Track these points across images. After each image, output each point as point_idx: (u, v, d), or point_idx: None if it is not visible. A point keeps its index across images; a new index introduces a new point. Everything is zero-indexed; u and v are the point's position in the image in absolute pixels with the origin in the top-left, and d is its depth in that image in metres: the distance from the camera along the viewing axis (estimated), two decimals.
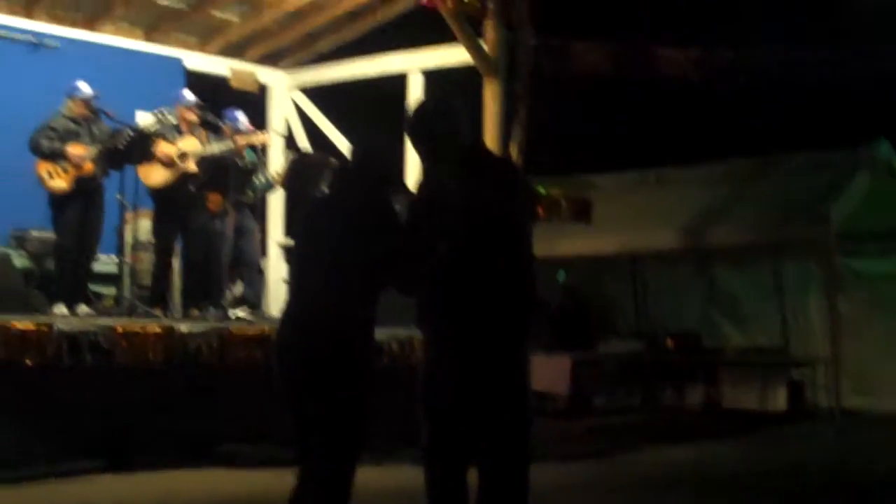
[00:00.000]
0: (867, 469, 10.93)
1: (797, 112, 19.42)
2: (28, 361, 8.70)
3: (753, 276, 16.62)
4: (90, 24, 14.03)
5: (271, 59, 15.53)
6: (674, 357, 15.90)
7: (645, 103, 20.41)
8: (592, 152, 20.00)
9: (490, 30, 12.83)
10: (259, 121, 13.67)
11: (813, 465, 11.24)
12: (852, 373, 14.65)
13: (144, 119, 12.20)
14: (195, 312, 11.52)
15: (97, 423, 9.10)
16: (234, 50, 15.21)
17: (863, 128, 17.22)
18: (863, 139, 16.22)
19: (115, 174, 11.25)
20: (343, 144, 14.35)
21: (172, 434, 9.42)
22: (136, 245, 12.16)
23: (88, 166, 11.17)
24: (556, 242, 15.12)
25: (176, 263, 12.29)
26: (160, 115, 11.78)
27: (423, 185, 5.90)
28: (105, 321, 9.59)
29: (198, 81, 14.52)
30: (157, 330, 9.49)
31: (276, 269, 14.82)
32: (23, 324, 8.85)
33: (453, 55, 13.35)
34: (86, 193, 11.27)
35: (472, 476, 5.66)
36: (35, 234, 12.05)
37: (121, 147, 10.93)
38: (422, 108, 6.04)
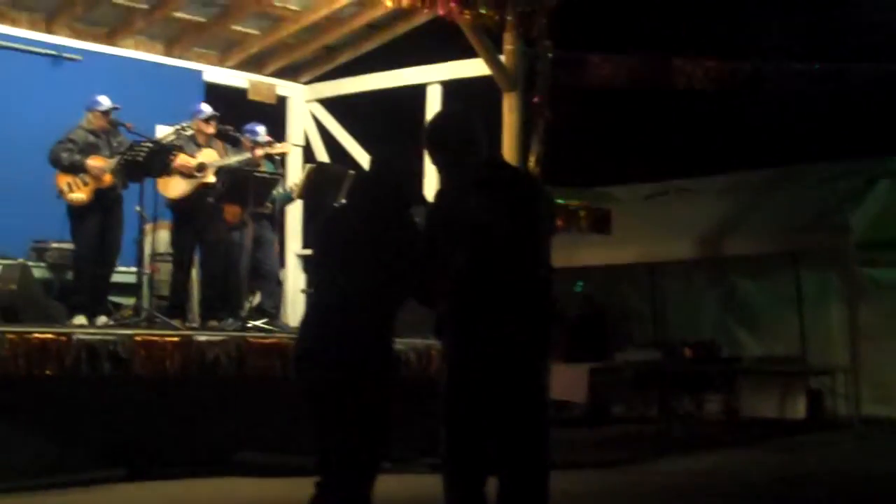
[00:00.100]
0: (888, 476, 10.90)
1: (816, 122, 19.40)
2: (47, 371, 8.75)
3: (772, 285, 16.62)
4: (110, 38, 14.10)
5: (290, 72, 15.59)
6: (692, 366, 15.89)
7: (663, 115, 20.41)
8: (611, 164, 20.03)
9: (509, 43, 12.86)
10: (277, 133, 13.70)
11: (833, 472, 11.23)
12: (872, 381, 14.65)
13: (164, 132, 12.27)
14: (213, 323, 11.57)
15: (116, 432, 9.14)
16: (253, 63, 15.28)
17: (882, 138, 17.21)
18: (882, 149, 16.22)
19: (134, 186, 11.30)
20: (361, 156, 14.39)
21: (190, 443, 9.46)
22: (155, 256, 12.22)
23: (108, 178, 11.24)
24: (575, 253, 15.18)
25: (194, 274, 12.36)
26: (179, 129, 11.85)
27: (441, 196, 5.93)
28: (124, 331, 9.63)
29: (217, 94, 14.58)
30: (176, 340, 9.53)
31: (295, 280, 14.86)
32: (42, 334, 8.89)
33: (472, 68, 13.38)
34: (105, 205, 11.33)
35: (490, 485, 5.68)
36: (55, 245, 12.14)
37: (140, 159, 10.98)
38: (439, 119, 6.06)
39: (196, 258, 12.20)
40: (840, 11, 19.37)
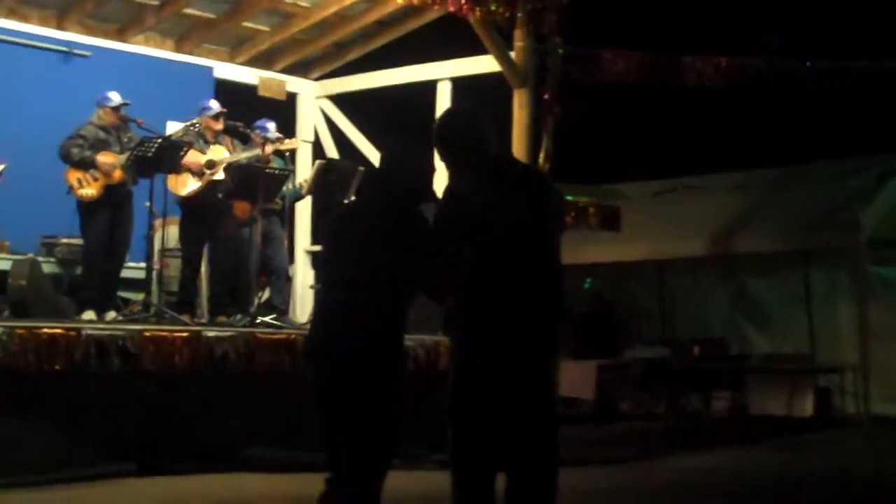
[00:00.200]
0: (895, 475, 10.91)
1: (827, 120, 19.40)
2: (56, 366, 8.76)
3: (781, 283, 16.62)
4: (121, 34, 14.13)
5: (300, 69, 15.61)
6: (700, 363, 15.89)
7: (673, 112, 20.41)
8: (620, 161, 20.03)
9: (519, 39, 12.86)
10: (287, 129, 13.72)
11: (840, 471, 11.22)
12: (880, 380, 14.63)
13: (174, 128, 12.30)
14: (222, 318, 11.59)
15: (124, 427, 9.15)
16: (263, 60, 15.30)
17: (894, 136, 17.20)
18: (894, 147, 16.20)
19: (144, 182, 11.32)
20: (371, 152, 14.40)
21: (198, 438, 9.46)
22: (165, 252, 12.25)
23: (118, 174, 11.26)
24: (584, 249, 15.18)
25: (204, 270, 12.38)
26: (189, 125, 11.88)
27: (450, 193, 5.94)
28: (133, 326, 9.65)
29: (227, 91, 14.60)
30: (185, 335, 9.54)
31: (304, 276, 14.88)
32: (52, 329, 8.91)
33: (482, 64, 13.39)
34: (115, 201, 11.36)
35: (498, 482, 5.69)
36: (64, 240, 12.18)
37: (150, 155, 11.00)
38: (448, 117, 6.09)
39: (205, 254, 12.22)
40: (851, 8, 19.38)
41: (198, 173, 11.64)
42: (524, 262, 5.60)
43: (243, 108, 13.56)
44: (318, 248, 14.56)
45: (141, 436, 9.24)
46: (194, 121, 11.93)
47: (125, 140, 11.51)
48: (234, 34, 14.88)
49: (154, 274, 11.81)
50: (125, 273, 11.94)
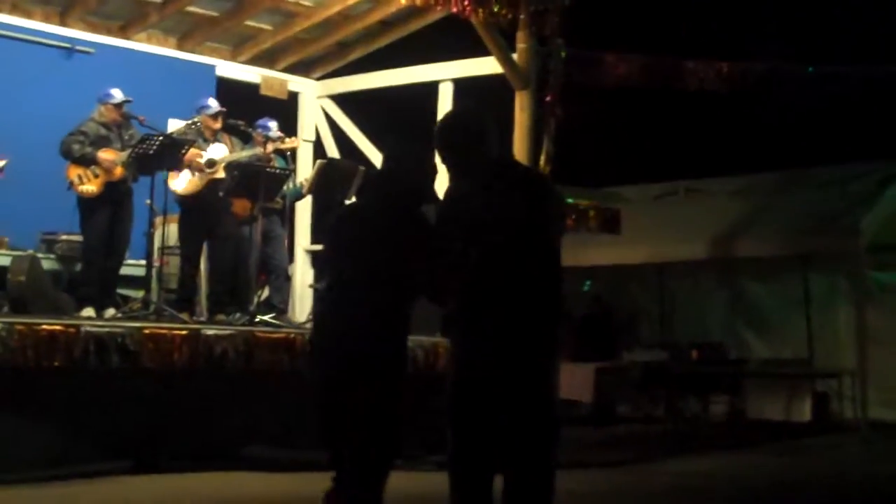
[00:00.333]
0: (892, 481, 10.90)
1: (828, 125, 19.41)
2: (56, 363, 8.77)
3: (780, 287, 16.63)
4: (124, 31, 14.13)
5: (302, 68, 15.61)
6: (699, 367, 15.89)
7: (674, 115, 20.42)
8: (621, 164, 20.04)
9: (522, 41, 12.86)
10: (289, 129, 13.72)
11: (837, 476, 11.23)
12: (879, 385, 14.63)
13: (176, 126, 12.30)
14: (221, 317, 11.59)
15: (123, 424, 9.15)
16: (265, 58, 15.29)
17: (894, 141, 17.21)
18: (894, 153, 16.20)
19: (144, 179, 11.32)
20: (372, 153, 14.41)
21: (197, 436, 9.47)
22: (165, 249, 12.26)
23: (118, 171, 11.26)
24: (584, 252, 15.19)
25: (203, 268, 12.38)
26: (190, 123, 11.88)
27: (451, 195, 5.94)
28: (132, 324, 9.65)
29: (229, 89, 14.62)
30: (184, 333, 9.55)
31: (303, 275, 14.88)
32: (51, 325, 8.91)
33: (484, 66, 13.38)
34: (115, 198, 11.36)
35: (496, 484, 5.69)
36: (64, 237, 12.19)
37: (151, 152, 11.00)
38: (449, 119, 6.08)
39: (205, 252, 12.22)
40: (852, 12, 19.39)
41: (198, 171, 11.65)
42: (524, 265, 5.60)
43: (245, 106, 13.57)
44: (317, 247, 14.58)
45: (139, 433, 9.25)
46: (195, 119, 11.93)
47: (126, 137, 11.51)
48: (236, 33, 14.88)
49: (154, 271, 11.80)
50: (125, 270, 11.94)
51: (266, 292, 12.56)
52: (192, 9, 14.07)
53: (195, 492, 8.76)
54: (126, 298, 11.88)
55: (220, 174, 11.72)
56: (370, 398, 5.62)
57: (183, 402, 9.49)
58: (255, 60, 15.23)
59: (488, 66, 13.22)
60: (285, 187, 12.18)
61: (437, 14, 13.57)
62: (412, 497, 7.80)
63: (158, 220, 11.78)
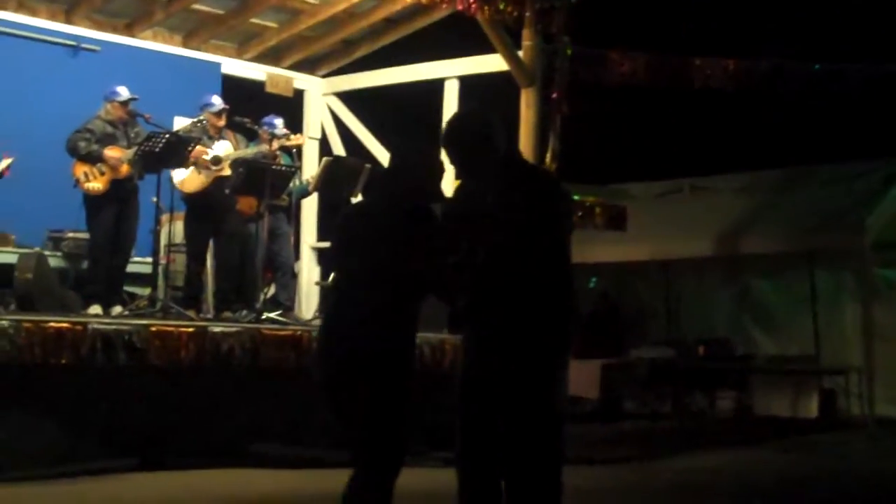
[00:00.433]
0: None
1: (833, 122, 19.39)
2: (63, 360, 8.78)
3: (786, 284, 16.62)
4: (129, 29, 14.14)
5: (308, 66, 15.62)
6: (705, 364, 15.89)
7: (679, 112, 20.40)
8: (626, 161, 20.03)
9: (527, 38, 12.85)
10: (294, 126, 13.72)
11: (844, 473, 11.23)
12: (885, 382, 14.62)
13: (182, 124, 12.31)
14: (228, 314, 11.60)
15: (130, 422, 9.17)
16: (271, 56, 15.30)
17: None
18: None
19: (151, 177, 11.33)
20: (377, 150, 14.41)
21: (204, 434, 9.48)
22: (171, 247, 12.27)
23: (125, 169, 11.27)
24: (590, 249, 15.18)
25: (209, 265, 12.39)
26: (196, 121, 11.89)
27: (460, 193, 5.95)
28: (139, 321, 9.66)
29: (235, 87, 14.63)
30: (190, 330, 9.56)
31: (309, 273, 14.89)
32: (58, 323, 8.93)
33: (490, 63, 13.37)
34: (121, 196, 11.37)
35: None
36: (71, 234, 12.20)
37: (157, 150, 11.01)
38: (457, 119, 6.08)
39: (211, 249, 12.23)
40: (856, 10, 19.36)
41: (204, 169, 11.66)
42: (533, 263, 5.60)
43: (251, 104, 13.58)
44: (323, 244, 14.59)
45: (146, 431, 9.26)
46: (201, 117, 11.94)
47: (132, 135, 11.53)
48: (242, 30, 14.89)
49: (160, 269, 11.81)
50: (131, 268, 11.96)
51: (272, 289, 12.57)
52: (197, 6, 14.08)
53: (202, 489, 8.78)
54: (133, 296, 11.89)
55: (226, 172, 11.73)
56: (377, 397, 5.62)
57: (190, 400, 9.51)
58: (261, 58, 15.24)
59: (494, 63, 13.21)
60: (291, 184, 12.18)
61: (442, 11, 13.55)
62: (418, 493, 7.79)
63: (165, 217, 11.79)
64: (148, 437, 9.27)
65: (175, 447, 9.37)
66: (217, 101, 12.11)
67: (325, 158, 12.91)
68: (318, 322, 11.33)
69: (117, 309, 11.07)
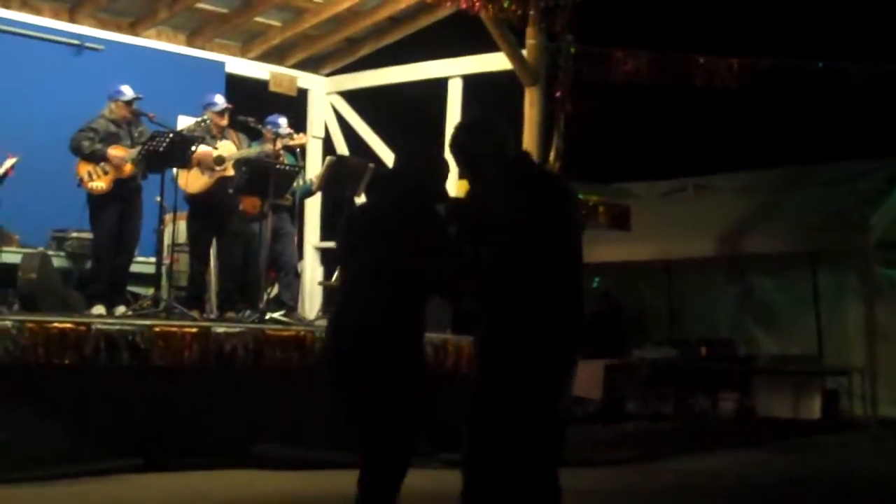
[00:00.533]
0: None
1: (837, 121, 19.38)
2: (66, 360, 8.78)
3: (789, 284, 16.61)
4: (133, 28, 14.15)
5: (311, 65, 15.62)
6: (707, 364, 15.88)
7: (683, 111, 20.39)
8: (630, 160, 20.02)
9: (531, 37, 12.84)
10: (298, 125, 13.72)
11: (849, 473, 11.23)
12: (888, 382, 14.61)
13: (186, 123, 12.31)
14: (231, 314, 11.60)
15: (133, 422, 9.17)
16: (275, 55, 15.30)
17: None
18: None
19: (154, 177, 11.34)
20: (381, 149, 14.41)
21: (207, 434, 9.47)
22: (175, 247, 12.28)
23: (128, 168, 11.28)
24: (593, 248, 15.12)
25: (213, 265, 12.39)
26: (200, 120, 11.88)
27: (469, 197, 5.97)
28: (142, 321, 9.67)
29: (239, 86, 14.64)
30: (194, 330, 9.56)
31: (313, 272, 14.89)
32: (61, 323, 8.93)
33: (493, 62, 13.38)
34: (125, 195, 11.38)
35: None
36: (74, 234, 12.21)
37: (161, 150, 11.01)
38: (465, 125, 6.09)
39: (214, 249, 12.23)
40: (863, 8, 19.35)
41: (207, 169, 11.66)
42: (544, 266, 5.60)
43: (254, 103, 13.58)
44: (327, 244, 14.59)
45: (149, 431, 9.26)
46: (204, 116, 11.94)
47: (136, 134, 11.53)
48: (245, 29, 14.89)
49: (164, 269, 11.82)
50: (135, 268, 11.97)
51: (276, 289, 12.57)
52: (201, 5, 14.10)
53: (204, 490, 8.78)
54: (136, 296, 11.91)
55: (230, 172, 11.73)
56: (383, 396, 5.63)
57: (193, 400, 9.50)
58: (265, 57, 15.25)
59: (497, 62, 13.22)
60: (295, 184, 12.18)
61: (446, 10, 13.56)
62: (421, 495, 7.80)
63: (168, 217, 11.79)
64: (151, 437, 9.27)
65: (178, 448, 9.36)
66: (220, 101, 12.11)
67: (328, 158, 12.91)
68: (321, 322, 11.34)
69: (121, 309, 11.09)
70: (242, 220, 11.98)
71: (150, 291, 11.50)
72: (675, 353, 16.32)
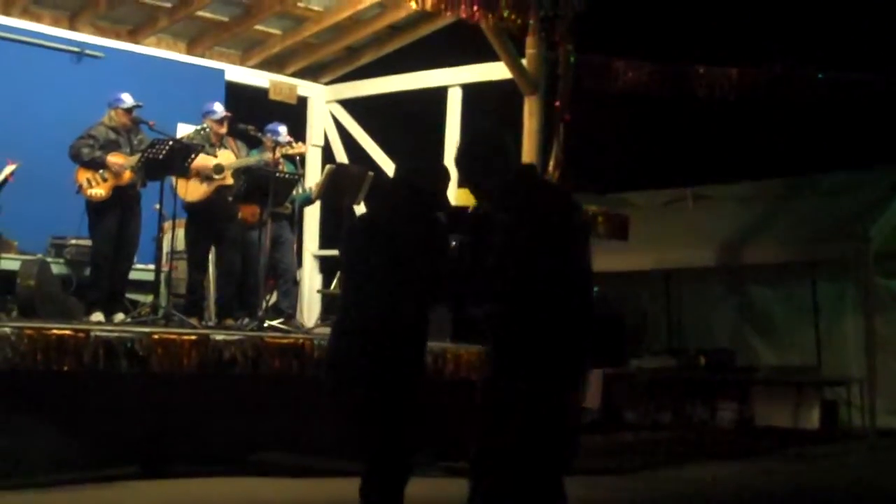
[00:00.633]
0: None
1: (836, 131, 19.37)
2: (65, 367, 8.77)
3: (788, 294, 16.56)
4: (133, 36, 14.17)
5: (311, 73, 15.63)
6: (706, 374, 15.86)
7: (682, 121, 20.40)
8: (629, 170, 20.02)
9: (531, 47, 12.87)
10: (297, 133, 13.73)
11: (847, 484, 11.21)
12: (887, 393, 14.59)
13: (185, 132, 12.31)
14: (230, 322, 11.60)
15: (132, 429, 9.16)
16: (274, 63, 15.33)
17: None
18: None
19: (154, 184, 11.34)
20: (380, 157, 14.42)
21: (206, 442, 9.47)
22: (174, 254, 12.27)
23: (127, 175, 11.29)
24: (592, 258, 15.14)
25: (212, 273, 12.39)
26: (200, 129, 11.89)
27: (475, 209, 5.97)
28: (141, 329, 9.66)
29: (238, 94, 14.64)
30: (193, 338, 9.55)
31: (311, 280, 14.89)
32: (60, 330, 8.92)
33: (493, 71, 13.40)
34: (124, 202, 11.39)
35: None
36: (73, 241, 12.22)
37: (160, 157, 11.01)
38: (470, 139, 6.10)
39: (212, 257, 12.23)
40: (863, 18, 19.36)
41: (206, 177, 11.66)
42: (553, 278, 5.60)
43: (254, 111, 13.58)
44: (326, 252, 14.59)
45: (147, 438, 9.24)
46: (204, 125, 11.95)
47: (135, 142, 11.54)
48: (245, 37, 14.91)
49: (162, 276, 11.81)
50: (134, 275, 11.98)
51: (274, 297, 12.56)
52: (201, 14, 14.12)
53: (203, 497, 8.78)
54: (135, 303, 11.91)
55: (229, 181, 11.73)
56: (386, 404, 5.64)
57: (191, 407, 9.49)
58: (264, 65, 15.26)
59: (497, 71, 13.24)
60: (294, 192, 12.17)
61: (446, 19, 13.58)
62: (421, 503, 7.81)
63: (167, 224, 11.80)
64: (149, 444, 9.25)
65: (176, 455, 9.35)
66: (219, 109, 12.11)
67: (328, 166, 12.91)
68: (319, 330, 11.34)
69: (119, 316, 11.09)
70: (241, 228, 11.98)
71: (149, 299, 11.50)
72: (673, 363, 16.28)
